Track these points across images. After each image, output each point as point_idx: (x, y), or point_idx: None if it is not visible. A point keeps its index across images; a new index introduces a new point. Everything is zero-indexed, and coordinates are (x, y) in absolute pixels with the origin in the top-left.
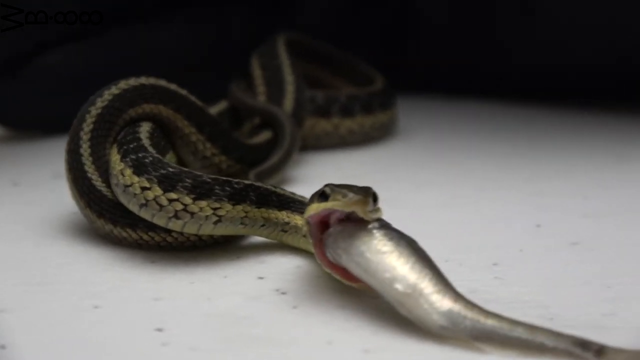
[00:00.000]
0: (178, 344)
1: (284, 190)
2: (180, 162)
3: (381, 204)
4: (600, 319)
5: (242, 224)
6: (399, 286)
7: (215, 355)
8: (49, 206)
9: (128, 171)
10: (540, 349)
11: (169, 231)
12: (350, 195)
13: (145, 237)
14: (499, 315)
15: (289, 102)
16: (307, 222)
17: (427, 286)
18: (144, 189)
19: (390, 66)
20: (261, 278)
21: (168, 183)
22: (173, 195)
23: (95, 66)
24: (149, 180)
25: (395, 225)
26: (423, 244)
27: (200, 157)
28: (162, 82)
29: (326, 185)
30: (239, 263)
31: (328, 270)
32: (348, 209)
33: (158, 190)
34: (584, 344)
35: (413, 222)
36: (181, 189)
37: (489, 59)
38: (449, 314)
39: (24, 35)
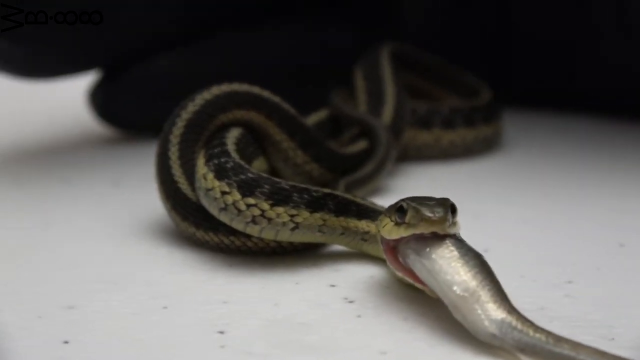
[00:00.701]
0: (235, 347)
1: (364, 199)
2: (272, 168)
3: (466, 216)
4: None
5: (320, 231)
6: (457, 289)
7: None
8: (144, 208)
9: (210, 175)
10: None
11: (248, 236)
12: (429, 215)
13: (226, 241)
14: (547, 331)
15: (388, 113)
16: (382, 237)
17: (484, 294)
18: (223, 193)
19: (494, 80)
20: (333, 286)
21: (247, 188)
22: (251, 201)
23: (199, 73)
24: (229, 184)
25: (477, 237)
26: (501, 258)
27: (291, 164)
28: (255, 89)
29: (403, 200)
30: (313, 270)
31: (396, 272)
32: (428, 231)
33: (237, 195)
34: None
35: (494, 236)
36: (259, 195)
37: (590, 74)
38: (500, 323)
39: (135, 37)
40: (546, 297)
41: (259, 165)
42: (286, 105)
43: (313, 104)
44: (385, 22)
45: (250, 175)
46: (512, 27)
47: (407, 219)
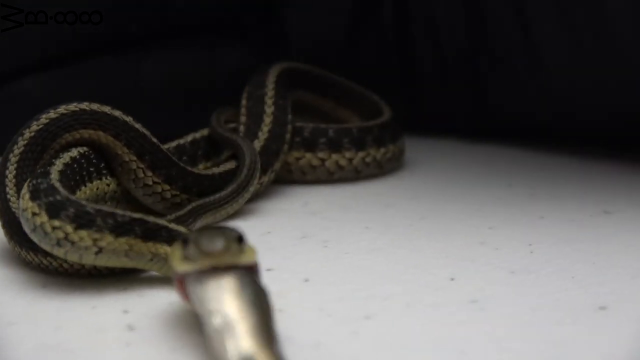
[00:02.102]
0: None
1: (177, 226)
2: (124, 190)
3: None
4: None
5: (126, 256)
6: (216, 320)
7: None
8: None
9: (27, 195)
10: None
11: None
12: (206, 247)
13: (44, 261)
14: None
15: (262, 134)
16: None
17: (243, 328)
18: (34, 214)
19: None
20: (125, 312)
21: (53, 210)
22: (56, 223)
23: (70, 96)
24: (39, 206)
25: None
26: (314, 289)
27: (141, 185)
28: (105, 108)
29: (191, 232)
30: (117, 294)
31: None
32: (208, 266)
33: (44, 217)
34: None
35: (318, 266)
36: (64, 217)
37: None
38: (244, 358)
39: (6, 56)
40: (331, 333)
41: (103, 187)
42: (137, 125)
43: (201, 124)
44: (279, 41)
45: (58, 197)
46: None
47: (188, 252)
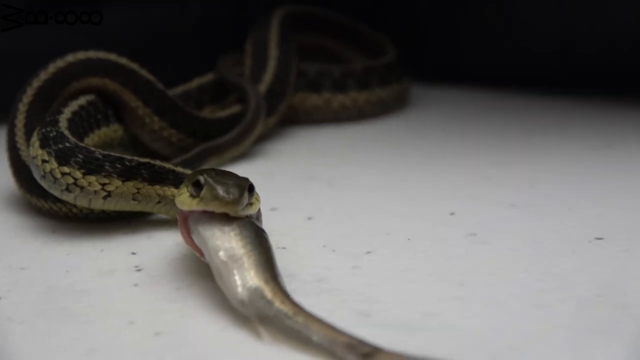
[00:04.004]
0: (2, 312)
1: (184, 169)
2: (131, 136)
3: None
4: (420, 319)
5: (134, 199)
6: (222, 254)
7: (24, 326)
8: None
9: (37, 143)
10: (307, 342)
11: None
12: (223, 195)
13: (54, 207)
14: (294, 304)
15: (267, 77)
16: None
17: (247, 262)
18: (43, 161)
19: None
20: (133, 253)
21: (63, 157)
22: (65, 169)
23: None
24: (48, 153)
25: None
26: (317, 226)
27: (148, 130)
28: (112, 56)
29: (201, 174)
30: (125, 237)
31: (188, 246)
32: (219, 211)
33: (54, 164)
34: (356, 346)
35: (323, 203)
36: (73, 164)
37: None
38: (252, 291)
39: None
40: (333, 267)
41: (110, 134)
42: (143, 72)
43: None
44: None
45: (67, 144)
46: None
47: (201, 194)
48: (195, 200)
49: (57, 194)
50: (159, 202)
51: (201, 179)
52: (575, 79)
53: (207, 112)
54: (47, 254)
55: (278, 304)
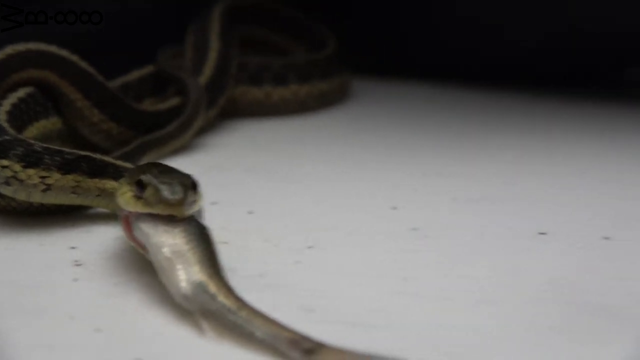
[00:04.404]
0: None
1: (124, 162)
2: (69, 128)
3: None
4: (363, 314)
5: (74, 193)
6: (166, 250)
7: None
8: None
9: None
10: (250, 338)
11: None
12: (168, 197)
13: None
14: (238, 299)
15: (208, 70)
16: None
17: (192, 258)
18: None
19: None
20: (73, 248)
21: (2, 150)
22: (5, 162)
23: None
24: None
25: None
26: (258, 220)
27: (87, 123)
28: (52, 48)
29: (144, 172)
30: (64, 231)
31: (130, 242)
32: (165, 213)
33: None
34: (298, 342)
35: (262, 198)
36: (12, 157)
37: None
38: (195, 285)
39: None
40: (275, 262)
41: (49, 126)
42: (83, 64)
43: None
44: None
45: (6, 137)
46: None
47: (145, 195)
48: (140, 202)
49: None
50: (98, 195)
51: (144, 178)
52: (515, 74)
53: (147, 105)
54: None
55: (221, 298)
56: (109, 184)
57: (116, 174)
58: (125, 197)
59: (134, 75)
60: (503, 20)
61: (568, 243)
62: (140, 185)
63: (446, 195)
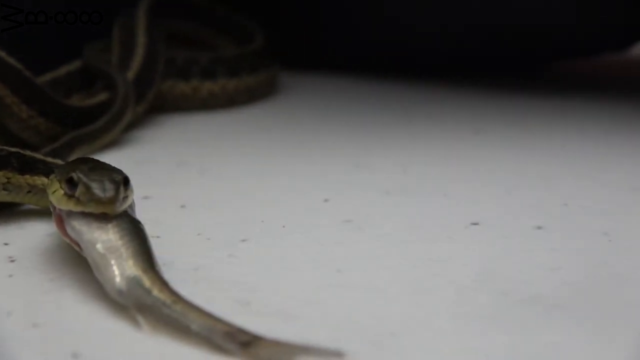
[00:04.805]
0: None
1: (54, 159)
2: (0, 124)
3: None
4: (298, 307)
5: (5, 189)
6: (100, 246)
7: None
8: None
9: None
10: (186, 331)
11: None
12: (99, 196)
13: None
14: (173, 293)
15: (135, 65)
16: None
17: (126, 252)
18: None
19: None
20: (6, 244)
21: None
22: None
23: None
24: None
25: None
26: (191, 215)
27: (16, 119)
28: None
29: (74, 170)
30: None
31: (64, 239)
32: (97, 211)
33: None
34: (234, 334)
35: (196, 192)
36: None
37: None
38: (130, 280)
39: None
40: (209, 256)
41: None
42: (11, 60)
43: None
44: None
45: None
46: None
47: (77, 193)
48: (72, 201)
49: None
50: (29, 191)
51: (74, 176)
52: (443, 65)
53: (75, 100)
54: None
55: (156, 292)
56: (40, 180)
57: (47, 170)
58: (57, 196)
59: (62, 70)
60: (422, 14)
61: (499, 233)
62: (71, 183)
63: (378, 187)
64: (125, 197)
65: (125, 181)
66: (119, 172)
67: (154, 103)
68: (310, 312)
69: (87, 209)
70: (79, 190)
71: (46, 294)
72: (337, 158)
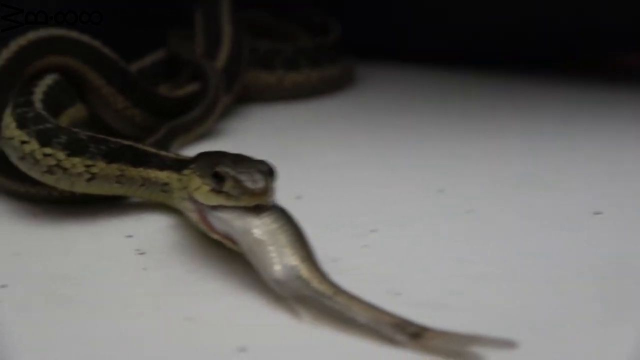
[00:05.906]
0: (8, 301)
1: (167, 152)
2: (92, 115)
3: (286, 161)
4: (445, 296)
5: (118, 182)
6: (256, 231)
7: (17, 313)
8: None
9: (12, 124)
10: (352, 323)
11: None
12: (251, 188)
13: (32, 190)
14: (333, 284)
15: (223, 55)
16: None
17: (283, 239)
18: (22, 142)
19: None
20: (129, 236)
21: (45, 138)
22: (48, 150)
23: None
24: (28, 134)
25: (292, 183)
26: (311, 206)
27: (111, 110)
28: (73, 34)
29: (217, 163)
30: (115, 220)
31: (209, 234)
32: (251, 204)
33: (35, 145)
34: (402, 326)
35: (310, 182)
36: (56, 144)
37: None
38: (289, 270)
39: None
40: (343, 247)
41: (74, 113)
42: (106, 50)
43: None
44: None
45: (48, 125)
46: None
47: (226, 188)
48: (222, 196)
49: (37, 176)
50: (142, 185)
51: (220, 170)
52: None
53: (163, 90)
54: (37, 239)
55: (316, 283)
56: (153, 173)
57: (159, 163)
58: (202, 192)
59: (147, 60)
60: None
61: (624, 222)
62: (217, 178)
63: (490, 175)
64: (274, 187)
65: (271, 171)
66: (263, 162)
67: (239, 94)
68: (455, 302)
69: (240, 203)
70: (228, 185)
71: (189, 286)
72: (437, 148)
